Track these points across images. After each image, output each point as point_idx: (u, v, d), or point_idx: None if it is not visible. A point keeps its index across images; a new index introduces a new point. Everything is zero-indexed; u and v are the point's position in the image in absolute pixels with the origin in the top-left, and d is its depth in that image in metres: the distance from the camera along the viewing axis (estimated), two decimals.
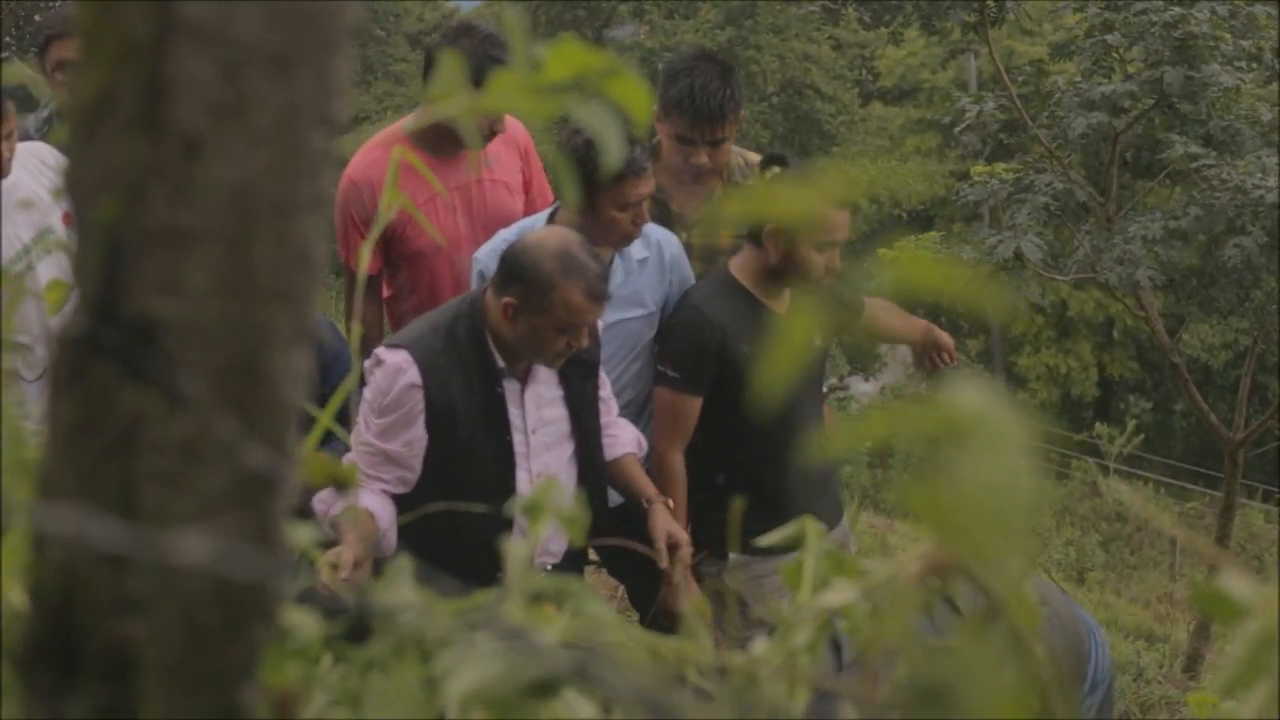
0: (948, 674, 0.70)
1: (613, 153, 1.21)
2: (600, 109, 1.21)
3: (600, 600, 1.44)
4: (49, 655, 1.10)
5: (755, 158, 5.09)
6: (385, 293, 5.08)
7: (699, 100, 4.71)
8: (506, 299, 3.70)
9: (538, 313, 3.72)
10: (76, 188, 1.02)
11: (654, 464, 4.47)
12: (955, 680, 0.70)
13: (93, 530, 0.99)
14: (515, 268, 3.73)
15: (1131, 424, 22.21)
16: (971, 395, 0.72)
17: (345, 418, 3.05)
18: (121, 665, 1.07)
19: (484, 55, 4.58)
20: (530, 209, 5.14)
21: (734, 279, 4.40)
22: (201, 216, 0.99)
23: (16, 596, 1.35)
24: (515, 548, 1.29)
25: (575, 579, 1.37)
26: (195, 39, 0.96)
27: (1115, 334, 27.17)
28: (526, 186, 5.17)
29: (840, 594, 1.64)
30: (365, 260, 1.92)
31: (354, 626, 1.17)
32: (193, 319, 1.00)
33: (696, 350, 4.37)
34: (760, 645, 1.63)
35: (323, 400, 4.26)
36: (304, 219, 1.03)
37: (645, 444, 4.41)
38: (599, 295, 3.81)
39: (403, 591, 1.26)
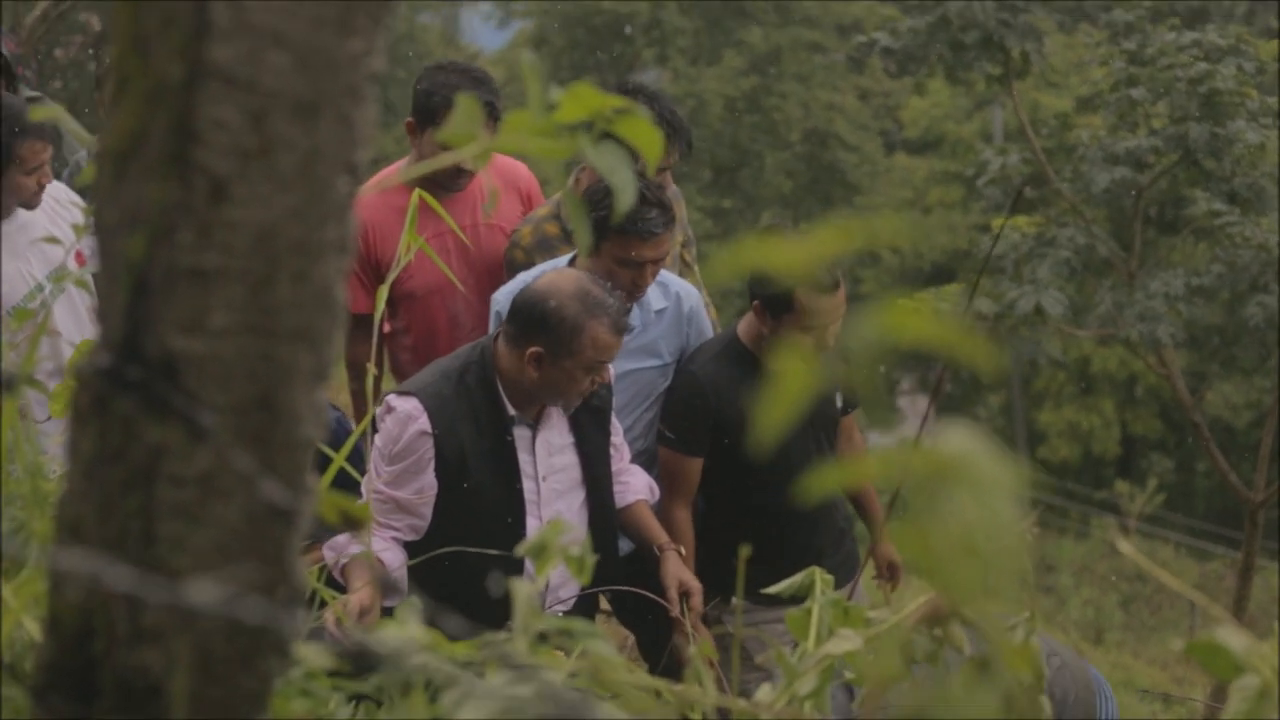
0: (938, 712, 0.71)
1: (625, 197, 1.23)
2: (613, 153, 1.23)
3: (607, 643, 1.45)
4: (65, 683, 1.12)
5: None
6: (386, 328, 5.09)
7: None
8: (533, 349, 3.70)
9: (567, 356, 3.72)
10: (104, 226, 1.04)
11: (661, 519, 4.48)
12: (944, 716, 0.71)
13: (109, 573, 1.01)
14: (536, 316, 3.73)
15: (1153, 483, 22.08)
16: (959, 441, 0.74)
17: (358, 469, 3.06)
18: (137, 695, 1.09)
19: (455, 88, 4.62)
20: None
21: (738, 341, 4.40)
22: (226, 256, 1.01)
23: (32, 626, 1.38)
24: (522, 588, 1.30)
25: (584, 622, 1.39)
26: (224, 84, 0.98)
27: (1138, 391, 27.06)
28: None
29: (844, 642, 1.66)
30: (381, 302, 1.95)
31: (361, 665, 1.18)
32: (214, 356, 1.03)
33: (689, 414, 4.38)
34: (764, 691, 1.65)
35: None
36: (326, 261, 1.05)
37: (657, 491, 4.41)
38: (623, 328, 3.83)
39: (411, 630, 1.28)
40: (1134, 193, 9.24)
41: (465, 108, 1.24)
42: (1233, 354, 9.39)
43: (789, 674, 1.60)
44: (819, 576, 1.95)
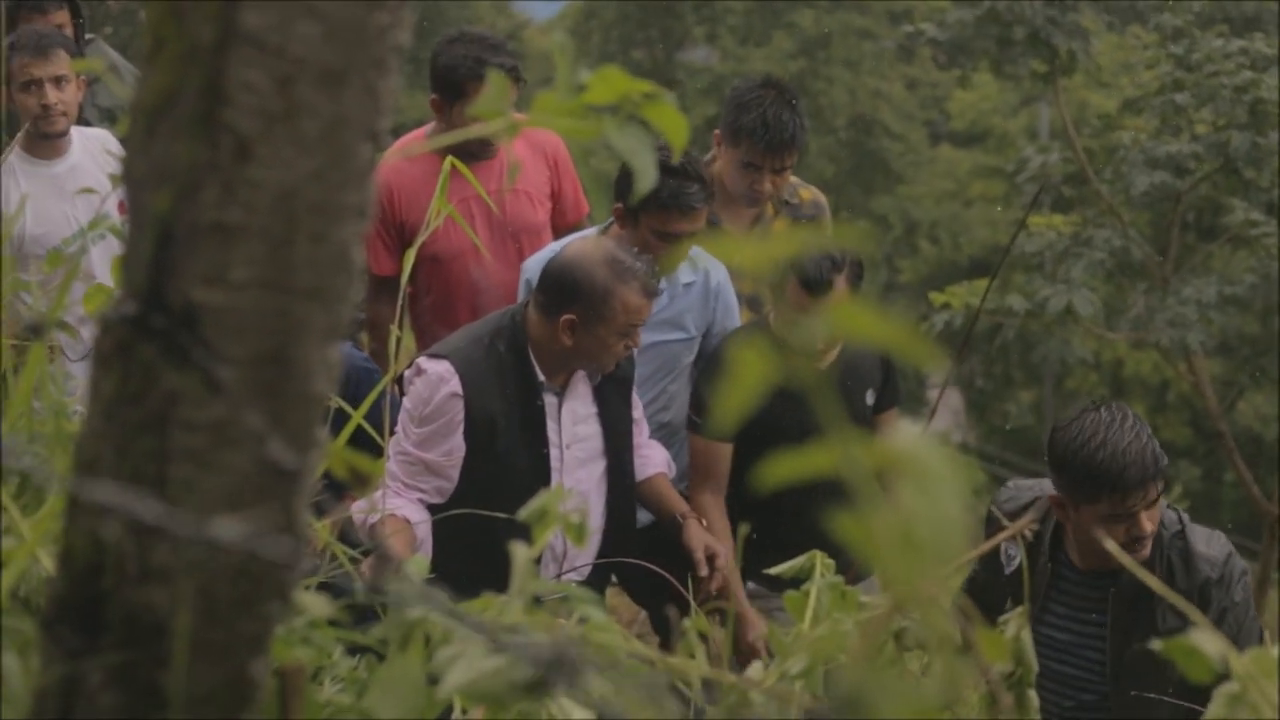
0: (864, 686, 0.75)
1: (645, 179, 1.27)
2: (635, 134, 1.27)
3: (603, 611, 1.49)
4: (73, 617, 1.16)
5: (806, 192, 5.15)
6: (407, 289, 5.12)
7: (772, 130, 4.76)
8: (567, 316, 3.75)
9: (600, 322, 3.78)
10: (133, 180, 1.08)
11: (689, 497, 4.51)
12: (869, 691, 0.75)
13: (133, 505, 1.05)
14: (567, 284, 3.78)
15: (1176, 490, 22.04)
16: (911, 436, 0.77)
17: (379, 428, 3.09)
18: (143, 631, 1.13)
19: (476, 60, 4.67)
20: (560, 219, 5.19)
21: (769, 328, 4.41)
22: (248, 214, 1.05)
23: (47, 561, 1.42)
24: (521, 552, 1.34)
25: (580, 588, 1.42)
26: (254, 48, 1.02)
27: (1170, 397, 26.94)
28: (555, 196, 5.21)
29: (835, 625, 1.69)
30: (408, 267, 1.99)
31: (362, 613, 1.22)
32: (233, 309, 1.07)
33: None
34: (755, 668, 1.69)
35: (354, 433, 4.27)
36: (345, 224, 1.09)
37: (674, 467, 4.44)
38: (653, 291, 3.89)
39: (413, 583, 1.31)
40: (1173, 197, 9.22)
41: (495, 84, 1.27)
42: (1263, 365, 9.37)
43: (781, 652, 1.64)
44: (820, 560, 1.99)
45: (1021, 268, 9.97)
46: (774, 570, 2.13)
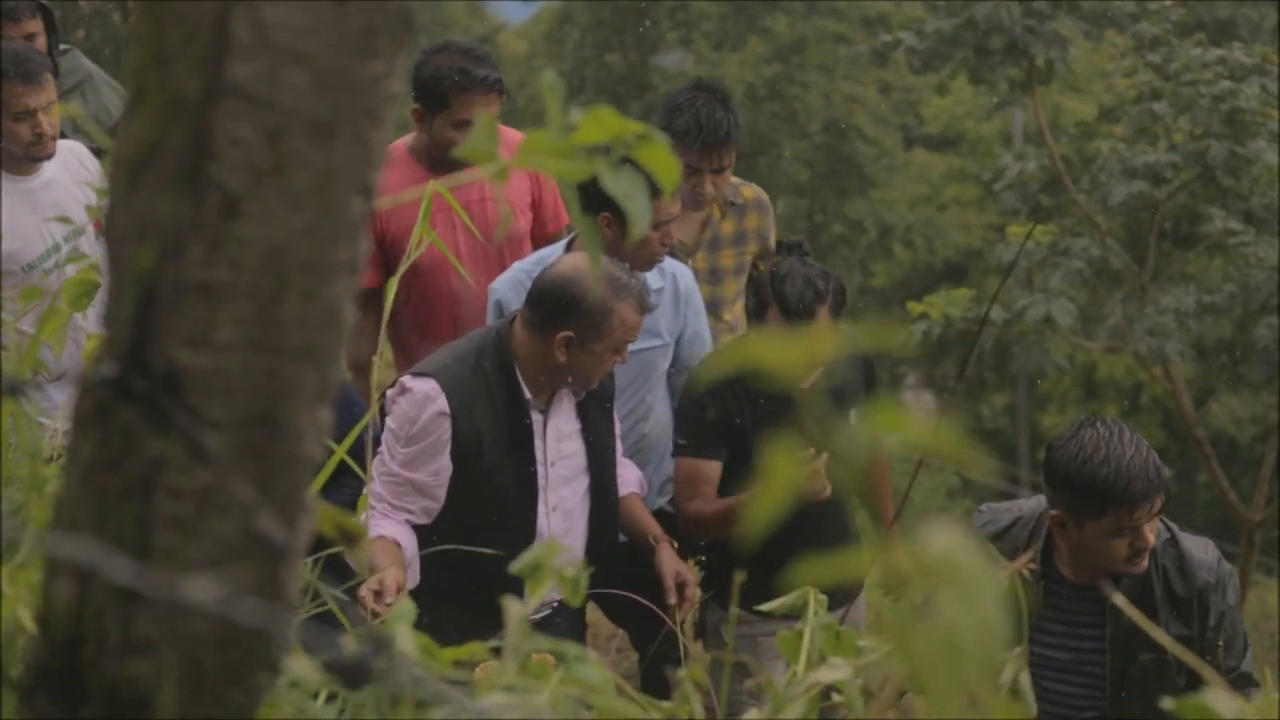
0: None
1: (640, 224, 1.23)
2: (628, 177, 1.23)
3: (597, 665, 1.45)
4: (52, 685, 1.11)
5: (748, 190, 5.17)
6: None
7: (706, 129, 4.77)
8: (564, 333, 3.71)
9: (597, 339, 3.75)
10: (115, 234, 1.04)
11: (682, 522, 4.46)
12: None
13: (106, 564, 1.01)
14: (565, 301, 3.74)
15: None
16: (945, 542, 0.73)
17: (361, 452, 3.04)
18: (126, 703, 1.08)
19: (461, 71, 4.65)
20: (541, 229, 5.16)
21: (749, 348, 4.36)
22: (235, 273, 1.01)
23: (25, 616, 1.37)
24: (514, 607, 1.30)
25: (574, 645, 1.38)
26: (242, 102, 0.98)
27: (1143, 399, 26.98)
28: (535, 206, 5.19)
29: (833, 671, 1.65)
30: (391, 292, 1.95)
31: (353, 680, 1.18)
32: (218, 371, 1.02)
33: (699, 417, 4.36)
34: (752, 715, 1.65)
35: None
36: (336, 280, 1.05)
37: (646, 486, 4.41)
38: (646, 307, 3.88)
39: (403, 642, 1.27)
40: (1151, 206, 9.21)
41: (483, 125, 1.23)
42: (1239, 372, 9.37)
43: (775, 701, 1.60)
44: (814, 596, 1.95)
45: (996, 277, 9.95)
46: (765, 607, 2.09)
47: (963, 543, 0.74)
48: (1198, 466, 28.23)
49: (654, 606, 3.56)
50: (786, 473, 0.76)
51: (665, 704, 1.57)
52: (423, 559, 3.77)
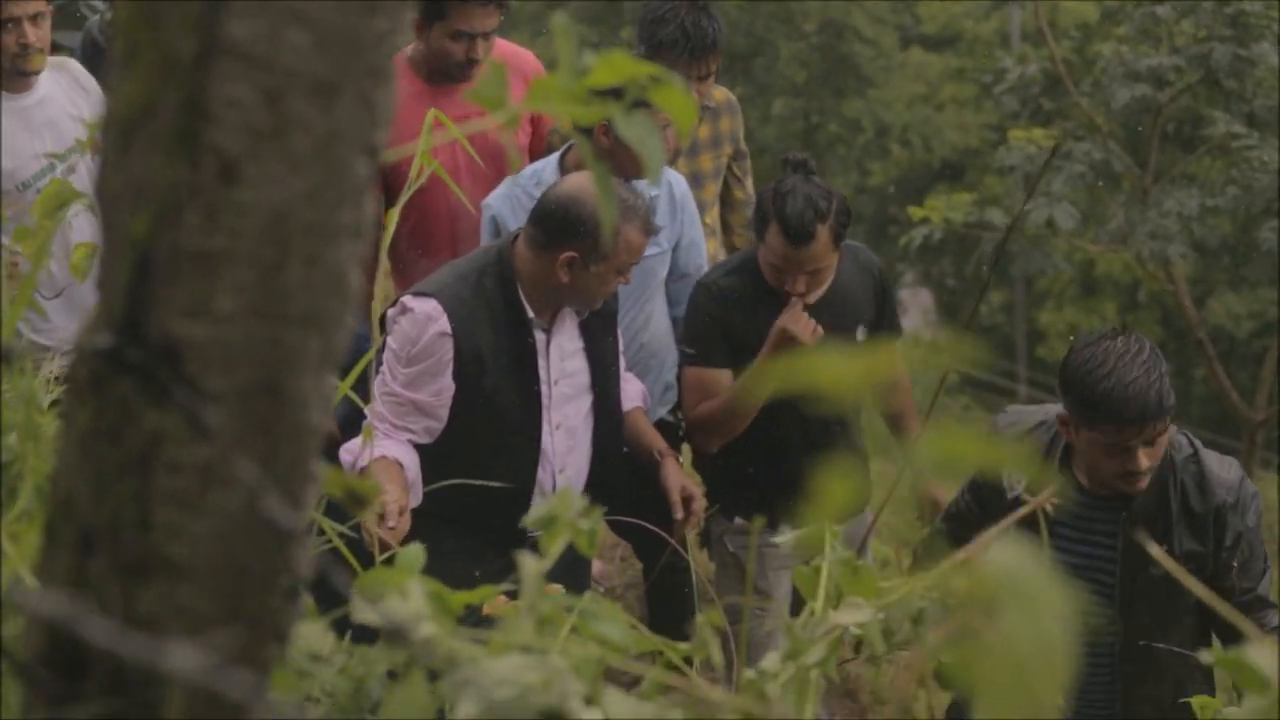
0: None
1: (655, 167, 1.18)
2: (642, 121, 1.19)
3: (613, 612, 1.41)
4: (54, 660, 1.08)
5: (719, 93, 5.17)
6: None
7: (694, 39, 4.74)
8: (568, 254, 3.66)
9: (600, 260, 3.71)
10: (107, 195, 0.99)
11: (689, 426, 4.45)
12: None
13: (86, 627, 0.97)
14: (569, 222, 3.69)
15: None
16: (1010, 561, 0.70)
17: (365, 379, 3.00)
18: (128, 679, 1.05)
19: None
20: (537, 143, 5.12)
21: (755, 261, 4.32)
22: (234, 239, 0.96)
23: (29, 577, 1.34)
24: (528, 563, 1.26)
25: (592, 598, 1.35)
26: (239, 62, 0.93)
27: (1141, 296, 26.92)
28: (534, 120, 5.13)
29: (853, 612, 1.62)
30: (392, 225, 1.91)
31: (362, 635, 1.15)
32: (219, 341, 0.98)
33: (707, 326, 4.32)
34: (770, 660, 1.62)
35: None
36: (341, 244, 1.00)
37: (649, 399, 4.39)
38: (651, 229, 3.85)
39: (414, 601, 1.23)
40: (1153, 110, 9.13)
41: (494, 71, 1.19)
42: (1241, 274, 9.33)
43: (795, 644, 1.57)
44: (829, 530, 1.91)
45: (995, 172, 9.88)
46: (777, 539, 2.05)
47: (1029, 564, 0.70)
48: (1195, 362, 28.26)
49: (658, 530, 3.54)
50: (790, 368, 0.73)
51: (683, 645, 1.54)
52: (426, 479, 3.74)
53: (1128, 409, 3.34)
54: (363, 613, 1.21)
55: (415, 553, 1.57)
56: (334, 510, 1.56)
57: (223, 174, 0.94)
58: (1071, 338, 3.67)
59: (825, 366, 0.76)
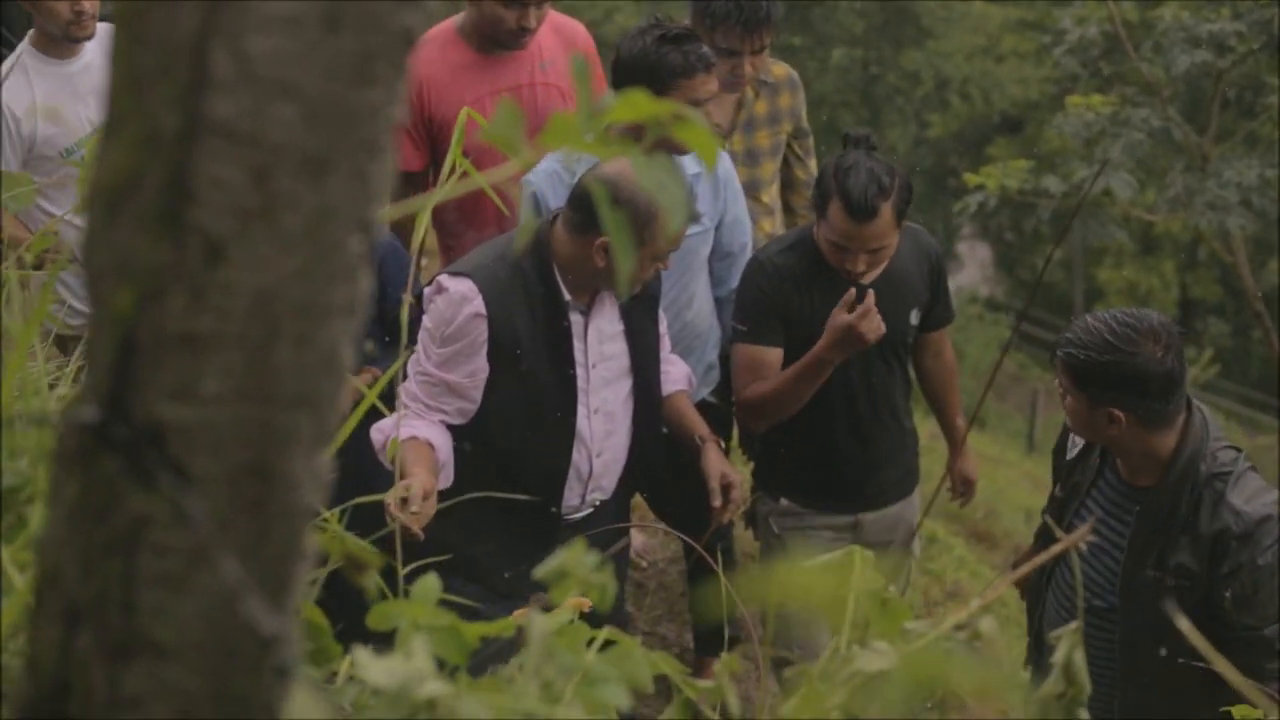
0: None
1: (677, 216, 1.15)
2: (663, 165, 1.15)
3: (640, 654, 1.38)
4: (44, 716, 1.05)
5: (779, 69, 5.09)
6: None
7: (747, 12, 4.67)
8: (604, 239, 3.61)
9: (639, 245, 3.65)
10: (93, 269, 0.95)
11: (739, 406, 4.41)
12: None
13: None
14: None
15: (1208, 353, 21.88)
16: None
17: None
18: None
19: None
20: None
21: (811, 239, 4.26)
22: (221, 321, 0.92)
23: (15, 649, 1.31)
24: (537, 622, 1.23)
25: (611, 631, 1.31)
26: (224, 140, 0.89)
27: (1200, 254, 26.63)
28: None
29: (877, 658, 1.57)
30: (445, 176, 1.88)
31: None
32: (206, 424, 0.94)
33: (760, 302, 4.26)
34: (790, 703, 1.58)
35: (380, 319, 4.18)
36: (333, 323, 0.96)
37: (695, 381, 4.33)
38: (695, 217, 3.79)
39: (418, 660, 1.20)
40: (1213, 76, 8.99)
41: (505, 111, 1.15)
42: None
43: (810, 686, 1.53)
44: (859, 555, 1.86)
45: (1059, 146, 9.76)
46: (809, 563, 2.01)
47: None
48: (1254, 323, 27.97)
49: (693, 543, 3.51)
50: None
51: (704, 684, 1.50)
52: (457, 463, 3.71)
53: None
54: (364, 671, 1.18)
55: (431, 585, 1.54)
56: (350, 476, 1.52)
57: (209, 256, 0.90)
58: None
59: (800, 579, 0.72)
